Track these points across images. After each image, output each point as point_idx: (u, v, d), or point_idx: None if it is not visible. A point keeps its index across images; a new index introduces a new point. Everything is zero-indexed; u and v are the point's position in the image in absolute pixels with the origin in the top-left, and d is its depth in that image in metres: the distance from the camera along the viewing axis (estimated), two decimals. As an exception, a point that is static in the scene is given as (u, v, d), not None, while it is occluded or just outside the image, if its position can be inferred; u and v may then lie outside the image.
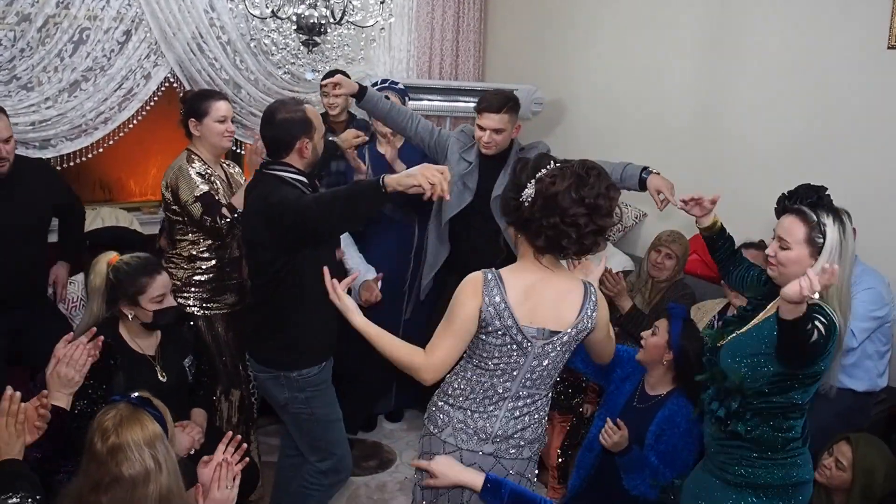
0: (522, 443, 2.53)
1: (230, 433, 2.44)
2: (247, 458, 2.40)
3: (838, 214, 2.50)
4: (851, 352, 3.34)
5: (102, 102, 4.51)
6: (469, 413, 2.49)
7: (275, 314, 3.06)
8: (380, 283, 4.08)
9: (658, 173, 3.55)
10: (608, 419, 3.19)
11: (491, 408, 2.48)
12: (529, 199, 2.33)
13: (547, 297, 2.42)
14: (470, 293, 2.39)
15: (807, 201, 2.52)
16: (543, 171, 2.34)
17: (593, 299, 2.49)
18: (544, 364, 2.46)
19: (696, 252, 4.41)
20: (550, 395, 2.60)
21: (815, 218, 2.49)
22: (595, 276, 2.73)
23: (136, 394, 2.28)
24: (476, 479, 2.29)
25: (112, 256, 3.08)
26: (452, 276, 3.09)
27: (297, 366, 3.05)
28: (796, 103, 4.20)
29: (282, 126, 3.01)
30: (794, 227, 2.52)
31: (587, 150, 4.40)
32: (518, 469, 2.55)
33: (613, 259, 4.57)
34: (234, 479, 2.35)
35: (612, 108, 5.22)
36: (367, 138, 3.97)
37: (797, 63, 4.17)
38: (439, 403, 2.56)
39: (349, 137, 3.91)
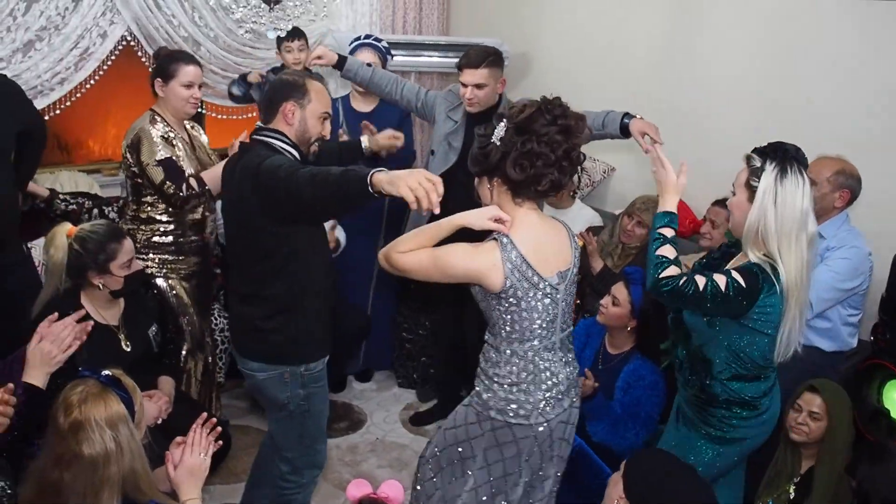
0: (577, 375, 2.67)
1: (204, 414, 2.41)
2: (220, 441, 2.38)
3: (788, 164, 2.47)
4: (817, 318, 3.27)
5: (58, 62, 4.39)
6: (545, 390, 2.53)
7: (281, 299, 2.79)
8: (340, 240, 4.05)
9: (641, 118, 3.54)
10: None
11: (552, 368, 2.55)
12: (500, 137, 2.39)
13: (550, 243, 2.51)
14: (473, 254, 2.43)
15: (765, 150, 2.51)
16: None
17: (571, 232, 2.62)
18: (568, 302, 2.57)
19: (664, 207, 4.40)
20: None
21: (757, 163, 2.50)
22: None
23: (107, 372, 2.22)
24: None
25: (69, 228, 3.01)
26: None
27: (305, 359, 2.85)
28: (766, 60, 4.15)
29: (273, 86, 2.86)
30: (740, 172, 2.57)
31: (554, 106, 4.40)
32: (577, 401, 2.68)
33: (581, 214, 4.57)
34: (207, 447, 2.34)
35: (579, 60, 5.16)
36: (402, 143, 3.74)
37: (772, 14, 4.11)
38: (511, 397, 2.53)
39: (383, 141, 3.63)
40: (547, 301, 2.47)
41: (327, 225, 4.03)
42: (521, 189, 2.43)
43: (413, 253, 2.46)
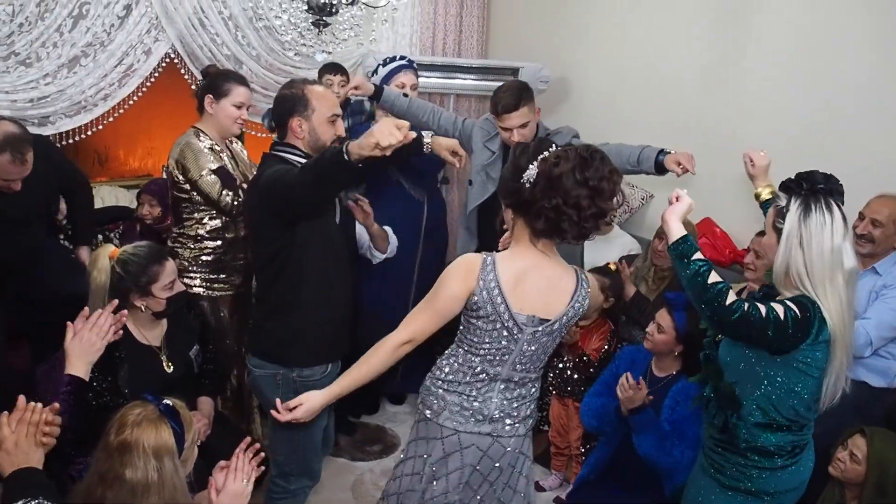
0: (517, 421, 2.55)
1: (248, 439, 2.39)
2: (263, 467, 2.37)
3: (813, 200, 2.35)
4: (867, 349, 3.20)
5: (102, 78, 4.41)
6: (465, 396, 2.50)
7: (277, 300, 2.88)
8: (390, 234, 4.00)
9: (675, 151, 3.54)
10: (627, 374, 3.20)
11: (484, 390, 2.49)
12: (531, 181, 2.30)
13: (538, 285, 2.41)
14: (461, 275, 2.39)
15: (789, 185, 2.42)
16: (545, 153, 2.32)
17: (585, 287, 2.49)
18: (534, 349, 2.46)
19: (705, 236, 4.37)
20: (541, 372, 2.61)
21: (782, 202, 2.41)
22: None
23: (169, 401, 2.22)
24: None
25: (111, 250, 3.01)
26: None
27: (297, 362, 2.87)
28: (805, 87, 4.13)
29: (277, 102, 2.90)
30: (770, 213, 2.49)
31: (594, 129, 4.39)
32: (515, 445, 2.57)
33: (619, 241, 4.54)
34: (250, 474, 2.32)
35: (620, 85, 5.15)
36: (460, 165, 3.43)
37: (808, 44, 4.10)
38: (433, 388, 2.55)
39: (445, 146, 3.27)
40: (504, 334, 2.40)
41: (382, 231, 3.99)
42: (540, 236, 2.38)
43: (414, 319, 2.45)
